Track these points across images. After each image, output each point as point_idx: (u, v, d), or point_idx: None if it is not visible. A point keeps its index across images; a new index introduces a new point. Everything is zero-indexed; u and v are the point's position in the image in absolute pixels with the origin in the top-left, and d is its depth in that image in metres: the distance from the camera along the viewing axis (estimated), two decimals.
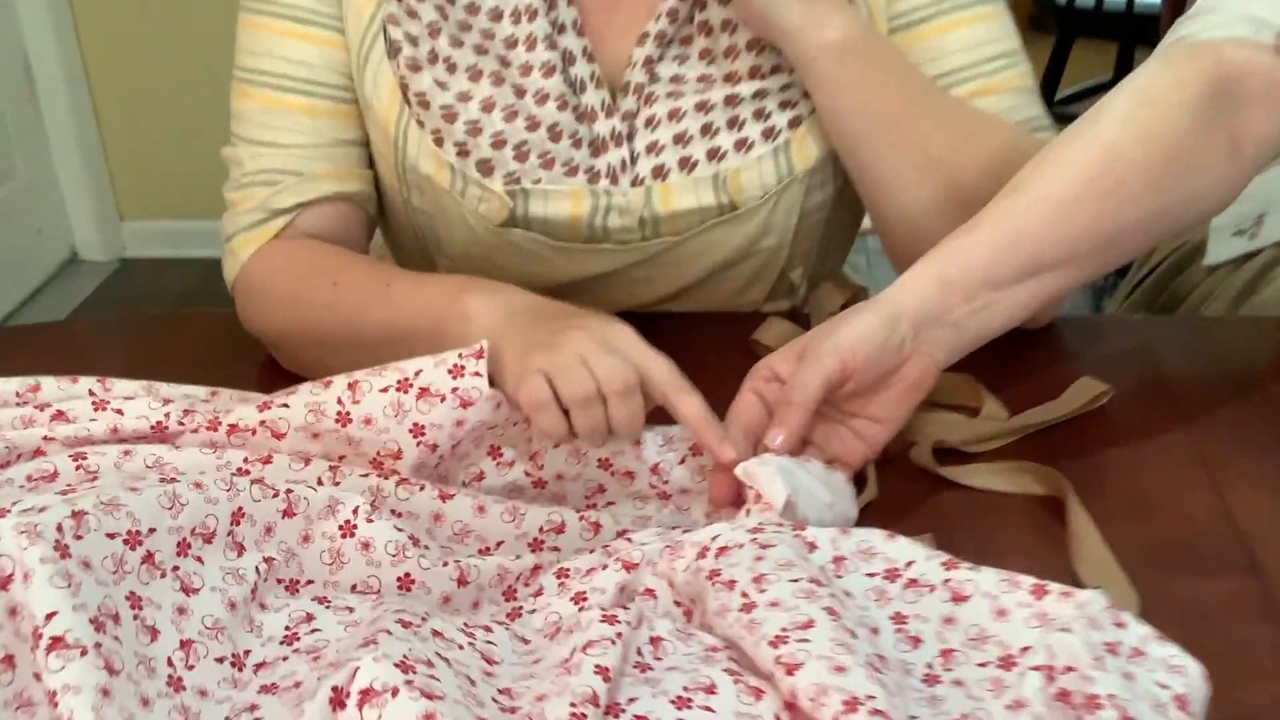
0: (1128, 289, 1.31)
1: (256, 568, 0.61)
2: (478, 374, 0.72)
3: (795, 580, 0.60)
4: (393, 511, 0.71)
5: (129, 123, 3.03)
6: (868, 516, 0.76)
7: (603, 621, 0.57)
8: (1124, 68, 3.01)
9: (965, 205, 0.83)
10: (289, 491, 0.64)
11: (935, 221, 0.86)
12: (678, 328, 0.98)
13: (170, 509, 0.59)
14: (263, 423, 0.71)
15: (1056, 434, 0.83)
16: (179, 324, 0.98)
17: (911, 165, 0.88)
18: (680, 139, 0.91)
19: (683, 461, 0.76)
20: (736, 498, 0.74)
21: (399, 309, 0.82)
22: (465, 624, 0.60)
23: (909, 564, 0.65)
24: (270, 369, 0.92)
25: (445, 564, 0.66)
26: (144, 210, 3.12)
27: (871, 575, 0.65)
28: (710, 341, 0.96)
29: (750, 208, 0.92)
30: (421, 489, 0.72)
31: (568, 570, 0.68)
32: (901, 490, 0.79)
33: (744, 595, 0.60)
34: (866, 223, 0.99)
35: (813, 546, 0.66)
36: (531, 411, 0.71)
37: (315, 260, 0.89)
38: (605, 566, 0.67)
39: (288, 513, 0.64)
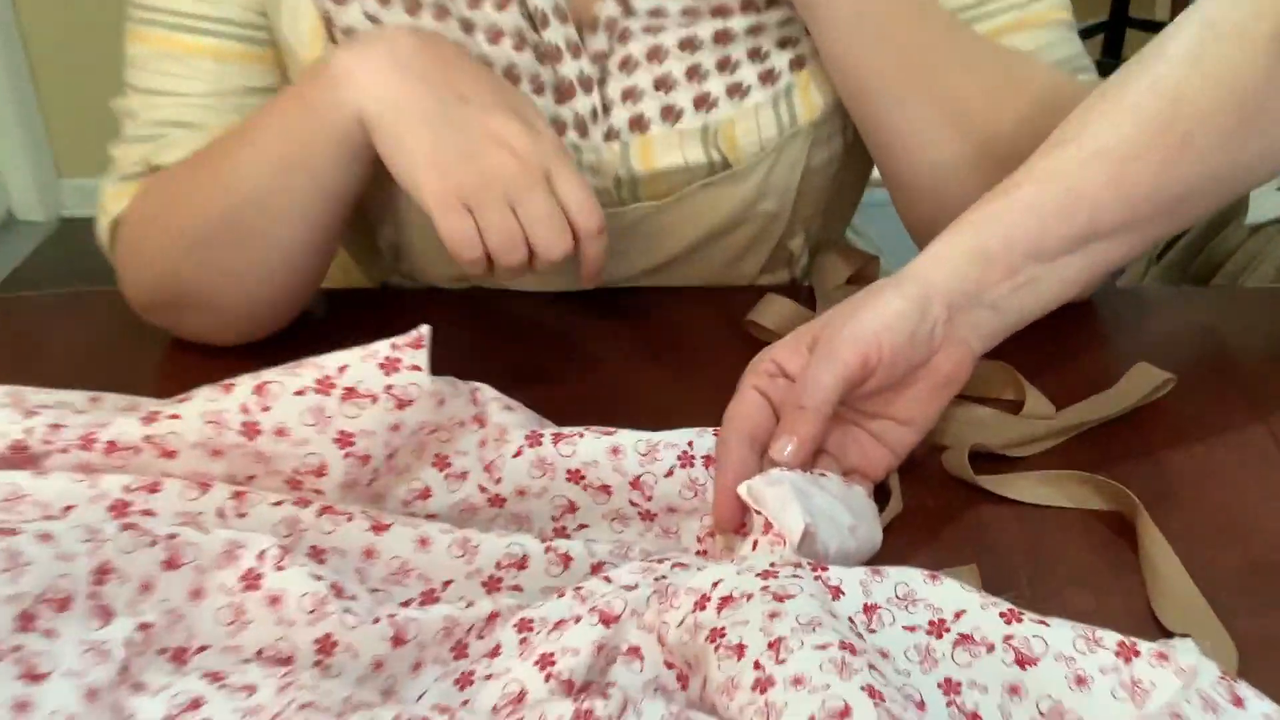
0: (1155, 253, 1.18)
1: (129, 639, 0.47)
2: (416, 367, 0.58)
3: (823, 647, 0.47)
4: (313, 549, 0.57)
5: (66, 75, 2.85)
6: (891, 537, 0.63)
7: (576, 717, 0.44)
8: (1120, 6, 2.87)
9: (1000, 162, 0.69)
10: (172, 536, 0.50)
11: (965, 182, 0.72)
12: (657, 305, 0.85)
13: (7, 571, 0.45)
14: (148, 438, 0.57)
15: (1111, 432, 0.70)
16: (69, 307, 0.83)
17: (936, 116, 0.74)
18: (662, 84, 0.77)
19: (670, 474, 0.63)
20: (735, 522, 0.60)
21: (262, 127, 0.72)
22: (397, 717, 0.46)
23: (959, 614, 0.52)
24: (173, 359, 0.77)
25: (377, 620, 0.52)
26: (83, 167, 2.94)
27: (912, 629, 0.52)
28: (697, 321, 0.82)
29: (746, 166, 0.78)
30: (350, 519, 0.58)
31: (531, 621, 0.55)
32: (931, 505, 0.66)
33: (757, 667, 0.47)
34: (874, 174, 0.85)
35: (837, 592, 0.53)
36: (453, 251, 0.67)
37: (181, 170, 0.75)
38: (579, 619, 0.53)
39: (171, 563, 0.50)
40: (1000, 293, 0.64)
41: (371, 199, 0.80)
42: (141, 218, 0.76)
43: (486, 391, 0.64)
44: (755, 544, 0.57)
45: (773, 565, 0.53)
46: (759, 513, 0.57)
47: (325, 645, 0.52)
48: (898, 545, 0.63)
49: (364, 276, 0.93)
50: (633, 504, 0.63)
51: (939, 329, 0.63)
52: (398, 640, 0.53)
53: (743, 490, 0.58)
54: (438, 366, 0.60)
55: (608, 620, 0.53)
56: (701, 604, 0.52)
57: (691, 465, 0.63)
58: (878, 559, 0.61)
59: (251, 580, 0.52)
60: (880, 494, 0.65)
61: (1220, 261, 1.10)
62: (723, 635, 0.49)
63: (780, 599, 0.50)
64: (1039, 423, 0.70)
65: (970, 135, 0.74)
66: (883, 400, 0.64)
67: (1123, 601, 0.59)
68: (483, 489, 0.63)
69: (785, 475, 0.58)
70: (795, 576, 0.52)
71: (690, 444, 0.63)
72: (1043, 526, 0.64)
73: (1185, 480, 0.66)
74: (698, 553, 0.63)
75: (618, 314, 0.83)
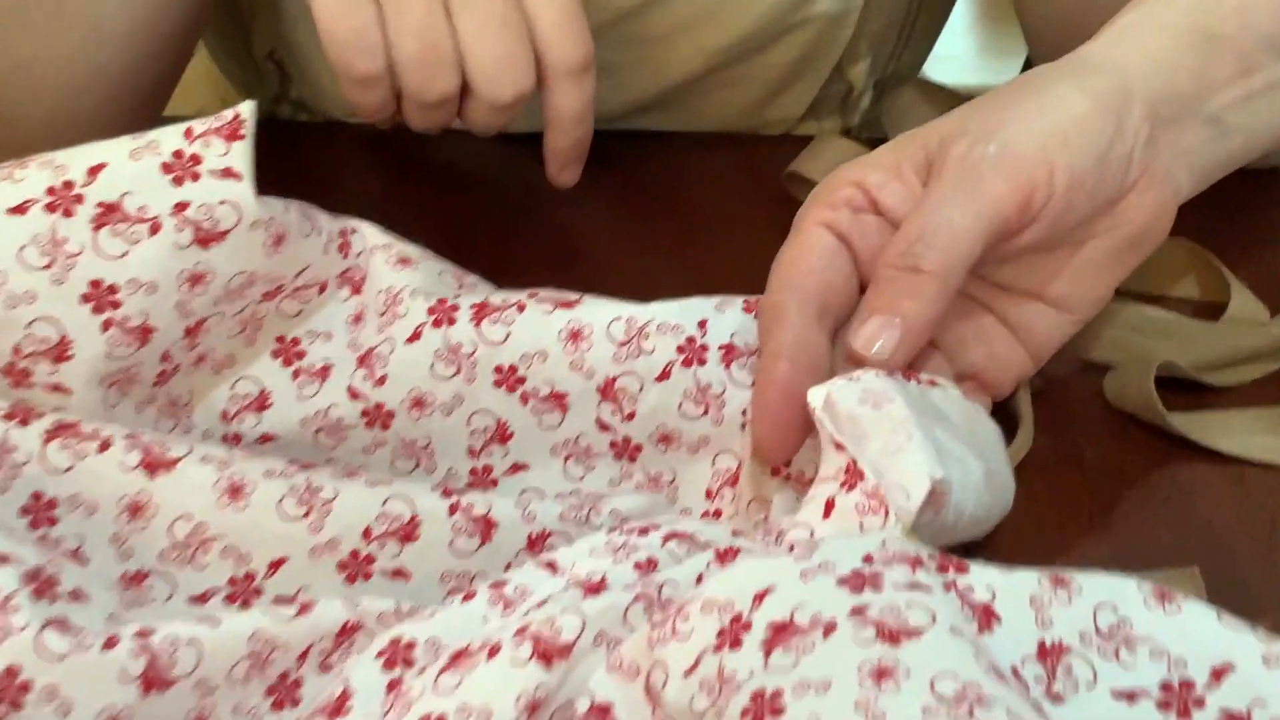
0: None
1: None
2: (230, 172, 0.33)
3: None
4: (33, 499, 0.32)
5: None
6: (1022, 507, 0.38)
7: None
8: None
9: None
10: None
11: None
12: (655, 153, 0.59)
13: None
14: None
15: None
16: None
17: None
18: None
19: (665, 375, 0.37)
20: (789, 449, 0.35)
21: None
22: None
23: (1218, 674, 0.27)
24: None
25: (112, 643, 0.27)
26: None
27: (1131, 696, 0.27)
28: (711, 173, 0.57)
29: None
30: (104, 447, 0.33)
31: (414, 647, 0.30)
32: (1089, 455, 0.41)
33: None
34: None
35: (989, 617, 0.28)
36: (335, 58, 0.42)
37: None
38: (496, 650, 0.28)
39: None
40: (1229, 99, 0.39)
41: None
42: None
43: (367, 232, 0.39)
44: (829, 506, 0.31)
45: (870, 557, 0.28)
46: (839, 446, 0.32)
47: (10, 690, 0.27)
48: (1030, 518, 0.38)
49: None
50: (602, 427, 0.38)
51: (1138, 151, 0.37)
52: (152, 683, 0.28)
53: (815, 399, 0.33)
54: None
55: (549, 653, 0.28)
56: (734, 633, 0.27)
57: (703, 361, 0.37)
58: (1000, 542, 0.36)
59: None
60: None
61: None
62: (778, 710, 0.24)
63: (893, 637, 0.25)
64: (1250, 332, 0.44)
65: None
66: (1032, 267, 0.39)
67: None
68: (355, 395, 0.37)
69: (885, 383, 0.33)
70: (916, 587, 0.27)
71: (702, 324, 0.37)
72: (1275, 494, 0.39)
73: None
74: (705, 515, 0.38)
75: (598, 162, 0.58)
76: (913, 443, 0.30)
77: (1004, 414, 0.41)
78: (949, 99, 0.60)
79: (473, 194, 0.57)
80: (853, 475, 0.31)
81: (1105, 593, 0.29)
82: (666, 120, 0.60)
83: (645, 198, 0.56)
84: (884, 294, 0.35)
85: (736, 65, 0.57)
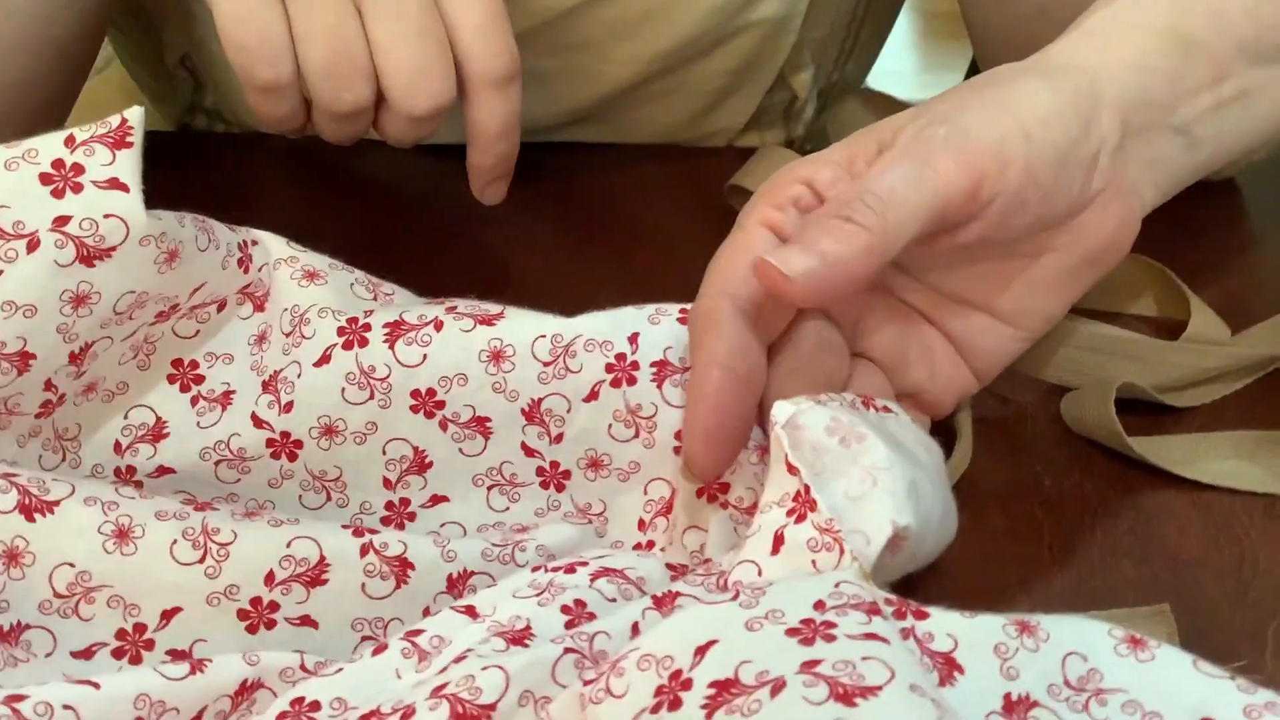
0: None
1: None
2: (117, 183, 0.30)
3: None
4: None
5: None
6: (970, 538, 0.35)
7: None
8: None
9: None
10: None
11: None
12: (589, 165, 0.57)
13: None
14: None
15: None
16: None
17: None
18: None
19: (593, 396, 0.34)
20: (721, 465, 0.33)
21: None
22: None
23: None
24: None
25: None
26: None
27: None
28: (648, 187, 0.55)
29: None
30: None
31: (317, 706, 0.27)
32: (1048, 483, 0.39)
33: None
34: None
35: (952, 668, 0.26)
36: (239, 64, 0.40)
37: None
38: (409, 714, 0.25)
39: None
40: (1200, 108, 0.38)
41: None
42: None
43: (270, 244, 0.36)
44: (778, 540, 0.29)
45: (821, 603, 0.25)
46: (792, 469, 0.29)
47: None
48: (986, 551, 0.36)
49: (155, 112, 0.63)
50: (528, 452, 0.35)
51: (1104, 158, 0.35)
52: None
53: (779, 415, 0.30)
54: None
55: (468, 716, 0.25)
56: (673, 691, 0.24)
57: (633, 381, 0.34)
58: (955, 578, 0.34)
59: None
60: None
61: None
62: None
63: (848, 697, 0.22)
64: (1212, 351, 0.42)
65: None
66: (982, 276, 0.37)
67: None
68: (259, 423, 0.34)
69: (853, 415, 0.30)
70: (872, 637, 0.24)
71: (633, 338, 0.35)
72: (1244, 523, 0.37)
73: None
74: (638, 546, 0.35)
75: (531, 176, 0.55)
76: (877, 488, 0.28)
77: (940, 429, 0.39)
78: (895, 108, 0.57)
79: (401, 211, 0.54)
80: (803, 503, 0.28)
81: (1074, 640, 0.26)
82: (602, 132, 0.58)
83: (581, 213, 0.54)
84: (806, 233, 0.32)
85: (675, 73, 0.55)
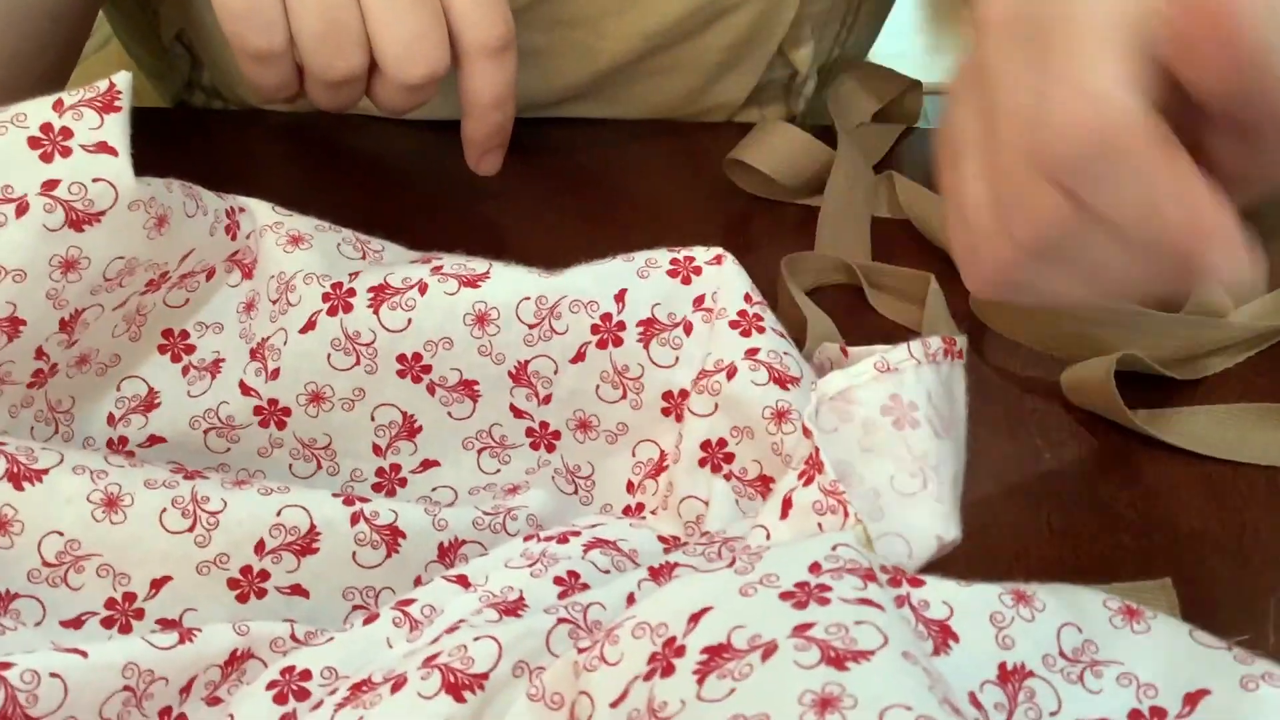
0: None
1: None
2: (106, 147, 0.30)
3: None
4: None
5: None
6: (974, 506, 0.35)
7: None
8: None
9: None
10: None
11: None
12: (586, 142, 0.56)
13: None
14: None
15: None
16: None
17: None
18: None
19: (580, 357, 0.34)
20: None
21: None
22: None
23: (1192, 699, 0.25)
24: None
25: None
26: None
27: None
28: (645, 163, 0.54)
29: None
30: None
31: (308, 675, 0.27)
32: (1048, 456, 0.38)
33: None
34: None
35: (947, 636, 0.25)
36: (232, 34, 0.39)
37: None
38: (400, 684, 0.25)
39: None
40: None
41: None
42: None
43: (257, 211, 0.36)
44: (786, 505, 0.28)
45: (817, 565, 0.25)
46: (808, 434, 0.29)
47: None
48: (985, 524, 0.35)
49: (154, 90, 0.63)
50: (517, 413, 0.34)
51: None
52: None
53: (830, 387, 0.30)
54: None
55: (460, 685, 0.25)
56: (666, 658, 0.24)
57: (619, 342, 0.34)
58: (952, 551, 0.34)
59: None
60: None
61: None
62: None
63: (839, 660, 0.22)
64: (1214, 323, 0.42)
65: None
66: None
67: None
68: (247, 391, 0.34)
69: (918, 392, 0.30)
70: (867, 603, 0.24)
71: (620, 295, 0.34)
72: (1244, 496, 0.37)
73: None
74: (627, 510, 0.35)
75: (529, 151, 0.55)
76: (928, 490, 0.28)
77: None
78: (898, 83, 0.57)
79: (397, 186, 0.54)
80: (812, 465, 0.28)
81: (1070, 610, 0.26)
82: (600, 108, 0.57)
83: (579, 188, 0.53)
84: None
85: (671, 49, 0.54)
